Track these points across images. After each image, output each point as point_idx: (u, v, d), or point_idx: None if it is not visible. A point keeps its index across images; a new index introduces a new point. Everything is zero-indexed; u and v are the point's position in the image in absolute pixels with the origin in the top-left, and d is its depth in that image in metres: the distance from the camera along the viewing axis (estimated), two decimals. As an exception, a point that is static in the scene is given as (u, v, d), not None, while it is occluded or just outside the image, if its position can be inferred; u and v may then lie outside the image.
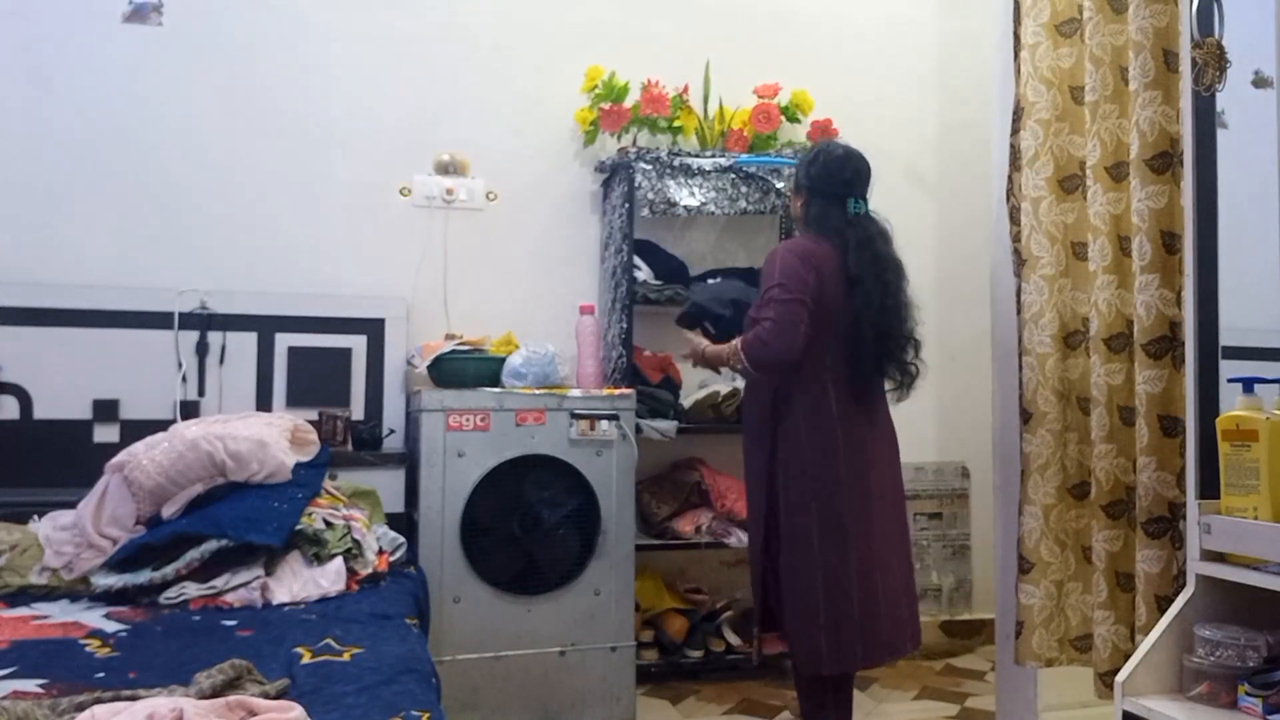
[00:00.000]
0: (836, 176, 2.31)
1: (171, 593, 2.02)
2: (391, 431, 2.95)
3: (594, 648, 2.64)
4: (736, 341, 2.23)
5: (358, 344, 2.98)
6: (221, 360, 2.88)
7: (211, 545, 2.06)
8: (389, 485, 2.68)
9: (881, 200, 3.56)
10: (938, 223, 3.67)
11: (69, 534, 2.16)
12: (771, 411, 2.23)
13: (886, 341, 2.24)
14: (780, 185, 3.11)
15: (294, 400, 2.90)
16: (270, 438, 2.31)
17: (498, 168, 3.22)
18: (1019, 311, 2.22)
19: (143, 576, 2.03)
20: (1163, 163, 1.87)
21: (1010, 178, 2.27)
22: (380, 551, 2.37)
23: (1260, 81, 1.78)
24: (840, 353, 2.20)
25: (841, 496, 2.16)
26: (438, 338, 2.93)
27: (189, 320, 2.86)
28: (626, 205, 3.01)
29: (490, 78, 3.23)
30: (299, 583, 2.12)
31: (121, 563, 2.07)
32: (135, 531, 2.16)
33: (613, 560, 2.66)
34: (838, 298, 2.18)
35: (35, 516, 2.30)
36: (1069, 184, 2.18)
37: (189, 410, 2.82)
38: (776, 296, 2.12)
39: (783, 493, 2.19)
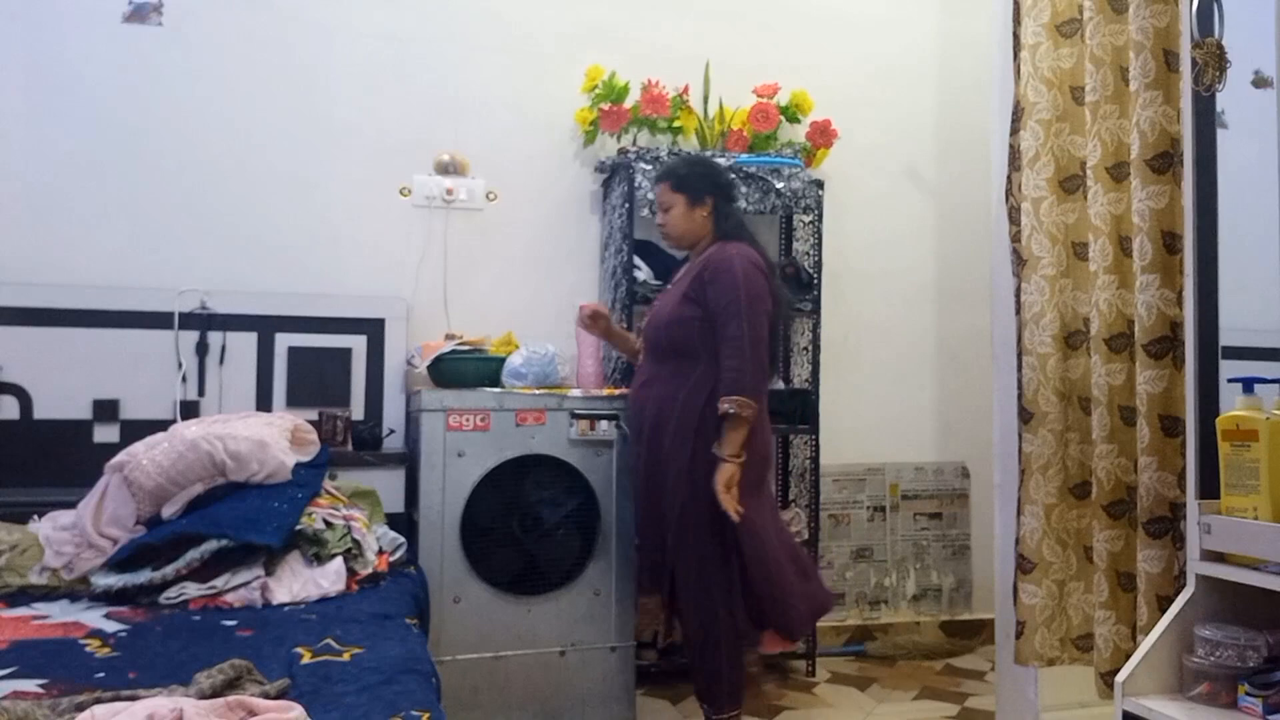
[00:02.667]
0: (728, 179, 2.62)
1: (171, 593, 2.02)
2: (391, 431, 2.95)
3: (594, 648, 2.64)
4: (731, 405, 2.27)
5: (358, 344, 2.98)
6: (221, 360, 2.87)
7: (211, 545, 2.06)
8: (389, 485, 2.68)
9: (882, 201, 3.60)
10: (938, 223, 3.67)
11: (69, 534, 2.16)
12: (706, 405, 2.33)
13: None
14: (780, 185, 3.11)
15: (294, 400, 2.90)
16: (270, 438, 2.31)
17: (498, 168, 3.22)
18: (1019, 311, 2.22)
19: (142, 576, 2.02)
20: (1163, 163, 1.87)
21: (1010, 178, 2.27)
22: (380, 551, 2.36)
23: (1260, 81, 1.78)
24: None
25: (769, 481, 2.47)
26: (438, 338, 2.93)
27: (189, 320, 2.86)
28: (626, 205, 3.01)
29: (490, 78, 3.23)
30: (299, 583, 2.12)
31: (121, 563, 2.07)
32: (135, 531, 2.16)
33: (613, 560, 2.66)
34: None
35: (35, 516, 2.30)
36: (1069, 184, 2.18)
37: (189, 410, 2.81)
38: (745, 314, 2.31)
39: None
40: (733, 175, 2.60)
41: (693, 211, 2.50)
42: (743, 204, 3.10)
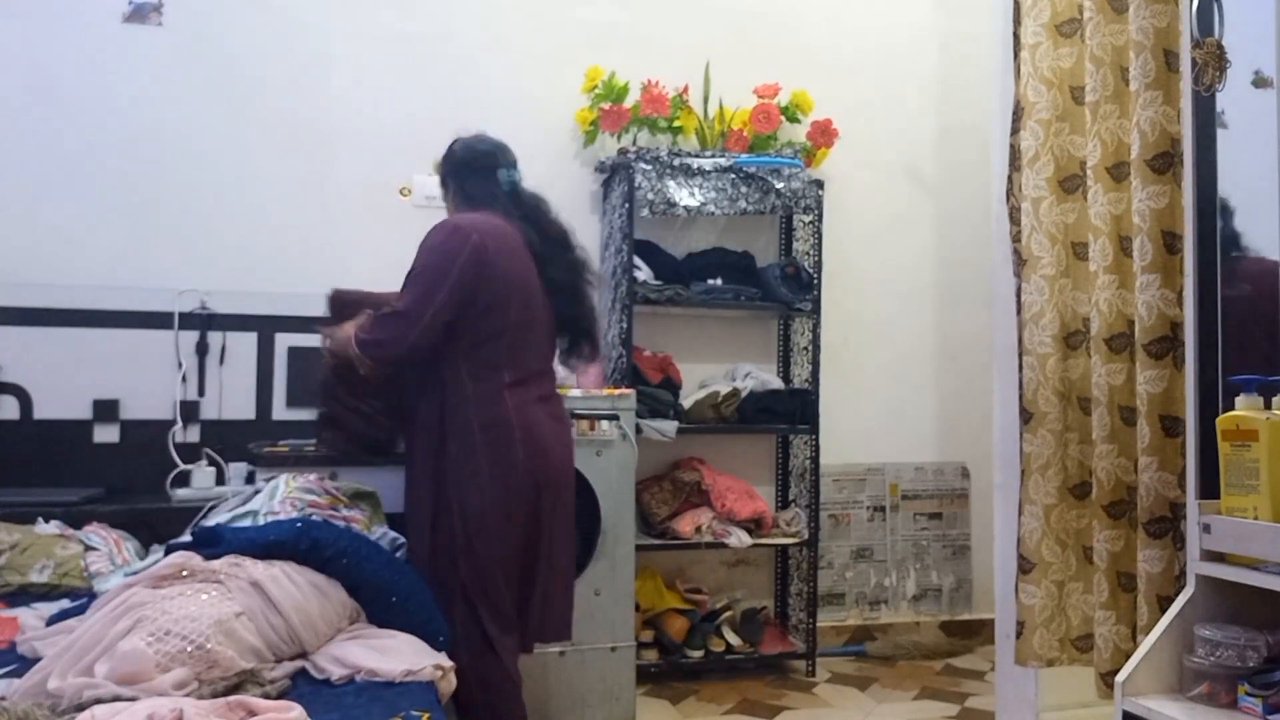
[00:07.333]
0: (478, 149, 2.25)
1: (172, 593, 2.02)
2: (391, 431, 2.94)
3: (594, 648, 2.64)
4: (350, 327, 2.12)
5: (358, 344, 2.97)
6: (221, 360, 2.88)
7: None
8: (389, 485, 2.67)
9: (882, 201, 3.60)
10: (938, 222, 3.67)
11: None
12: (440, 412, 2.07)
13: (577, 314, 2.24)
14: (780, 185, 3.11)
15: (294, 400, 2.90)
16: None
17: (498, 168, 3.21)
18: (1019, 311, 2.22)
19: (143, 577, 2.02)
20: (1163, 163, 1.87)
21: (1010, 178, 2.27)
22: (380, 552, 2.35)
23: (1260, 81, 1.78)
24: (522, 333, 2.11)
25: (520, 494, 2.05)
26: (438, 338, 2.92)
27: (189, 320, 2.86)
28: (626, 205, 3.01)
29: (490, 78, 3.23)
30: (299, 583, 2.11)
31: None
32: None
33: (613, 560, 2.66)
34: (512, 272, 2.09)
35: (40, 519, 2.29)
36: (1069, 184, 2.17)
37: (189, 410, 2.82)
38: (408, 284, 2.07)
39: (459, 497, 2.03)
40: (486, 147, 2.25)
41: (447, 201, 2.30)
42: (743, 204, 3.10)
